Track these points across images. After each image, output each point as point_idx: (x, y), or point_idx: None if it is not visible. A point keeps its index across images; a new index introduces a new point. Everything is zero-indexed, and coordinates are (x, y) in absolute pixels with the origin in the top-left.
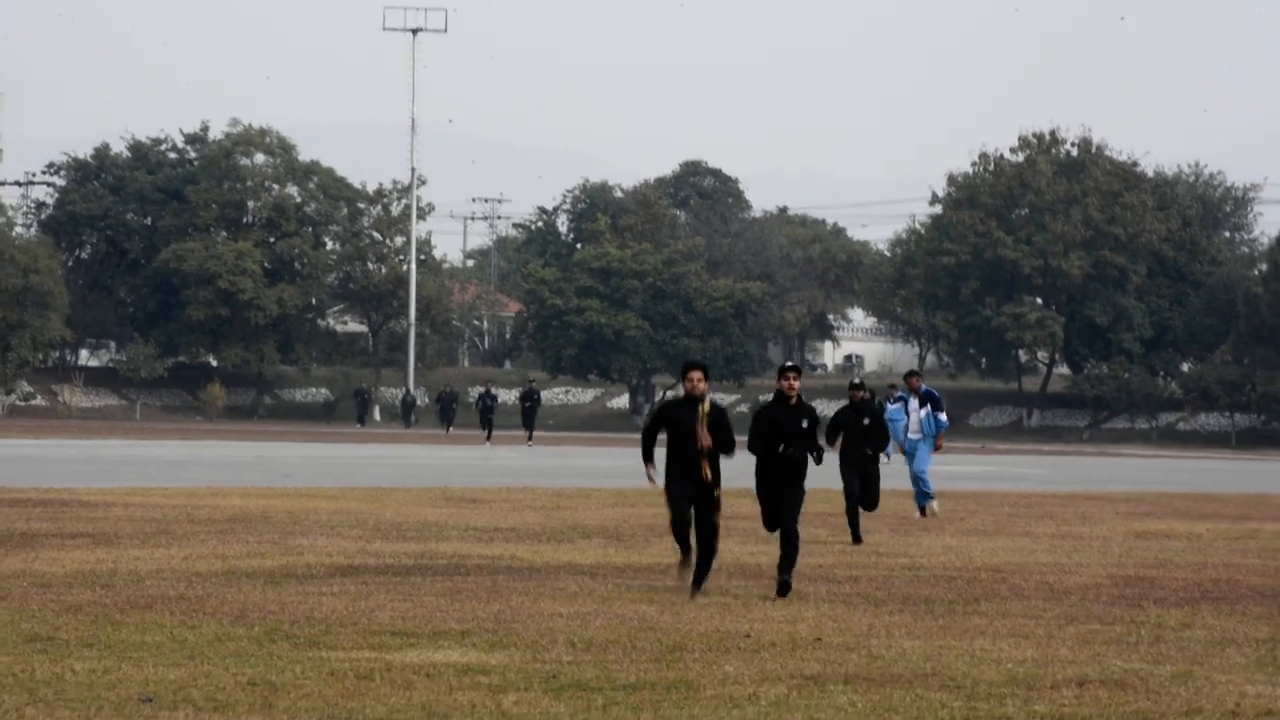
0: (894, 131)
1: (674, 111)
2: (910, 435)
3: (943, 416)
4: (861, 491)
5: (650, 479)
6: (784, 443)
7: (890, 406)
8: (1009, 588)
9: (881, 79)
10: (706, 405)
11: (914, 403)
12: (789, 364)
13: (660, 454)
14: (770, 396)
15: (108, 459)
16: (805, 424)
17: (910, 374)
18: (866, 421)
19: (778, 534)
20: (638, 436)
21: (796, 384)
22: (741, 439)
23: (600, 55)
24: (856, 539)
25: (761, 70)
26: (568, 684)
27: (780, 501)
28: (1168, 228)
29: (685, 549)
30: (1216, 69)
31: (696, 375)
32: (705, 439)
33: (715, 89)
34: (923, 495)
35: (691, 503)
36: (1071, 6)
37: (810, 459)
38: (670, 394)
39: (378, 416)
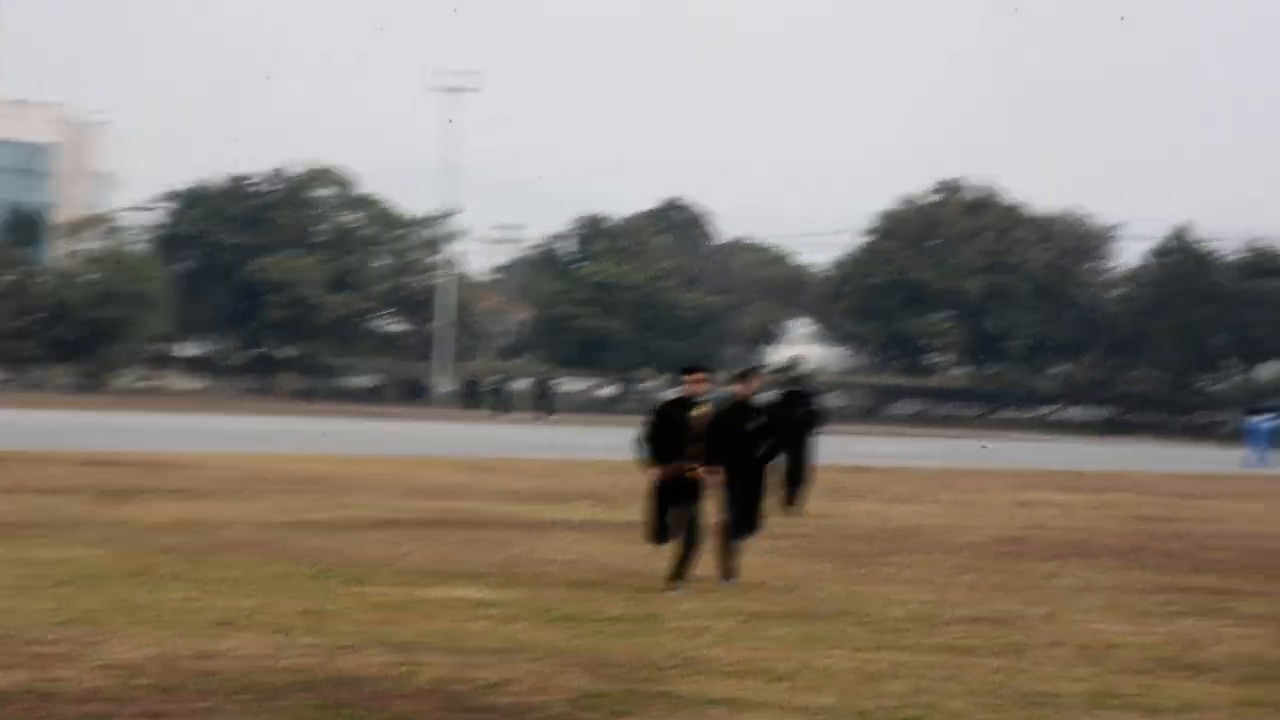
0: (831, 176)
1: (657, 159)
2: None
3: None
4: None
5: (665, 477)
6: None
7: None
8: (915, 544)
9: (819, 135)
10: (703, 408)
11: None
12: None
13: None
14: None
15: (200, 431)
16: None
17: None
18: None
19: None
20: (625, 419)
21: (701, 387)
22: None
23: (602, 113)
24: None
25: (724, 129)
26: (561, 615)
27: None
28: (1049, 257)
29: (660, 543)
30: (1094, 120)
31: (695, 377)
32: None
33: (689, 140)
34: None
35: (672, 517)
36: (981, 79)
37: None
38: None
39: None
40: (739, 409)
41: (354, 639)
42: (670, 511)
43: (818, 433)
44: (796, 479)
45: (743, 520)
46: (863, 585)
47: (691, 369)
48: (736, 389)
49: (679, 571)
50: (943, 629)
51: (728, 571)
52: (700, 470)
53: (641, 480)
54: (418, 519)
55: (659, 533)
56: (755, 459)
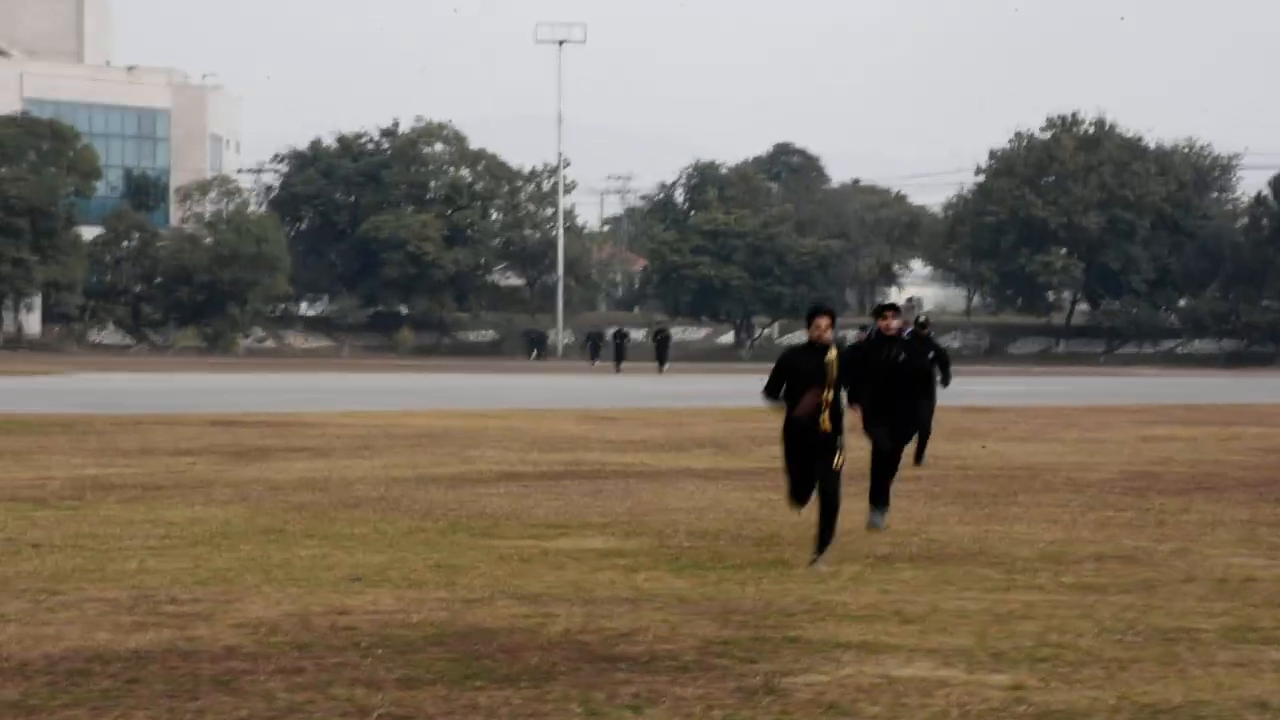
0: (944, 116)
1: (768, 100)
2: None
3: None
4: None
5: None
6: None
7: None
8: (1041, 483)
9: (930, 76)
10: (833, 353)
11: None
12: (887, 302)
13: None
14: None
15: (323, 389)
16: (902, 356)
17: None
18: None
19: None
20: (743, 366)
21: (829, 332)
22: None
23: (709, 57)
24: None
25: (837, 69)
26: (687, 564)
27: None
28: (1167, 190)
29: (799, 505)
30: (1206, 55)
31: (824, 321)
32: (808, 403)
33: (801, 85)
34: None
35: (809, 469)
36: (1074, 9)
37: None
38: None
39: (560, 352)
40: (884, 342)
41: (484, 592)
42: (805, 468)
43: (944, 377)
44: (922, 427)
45: (897, 439)
46: (990, 525)
47: (818, 310)
48: (880, 325)
49: (821, 543)
50: (1073, 567)
51: (881, 496)
52: (825, 421)
53: (763, 427)
54: (542, 471)
55: (800, 492)
56: (910, 391)
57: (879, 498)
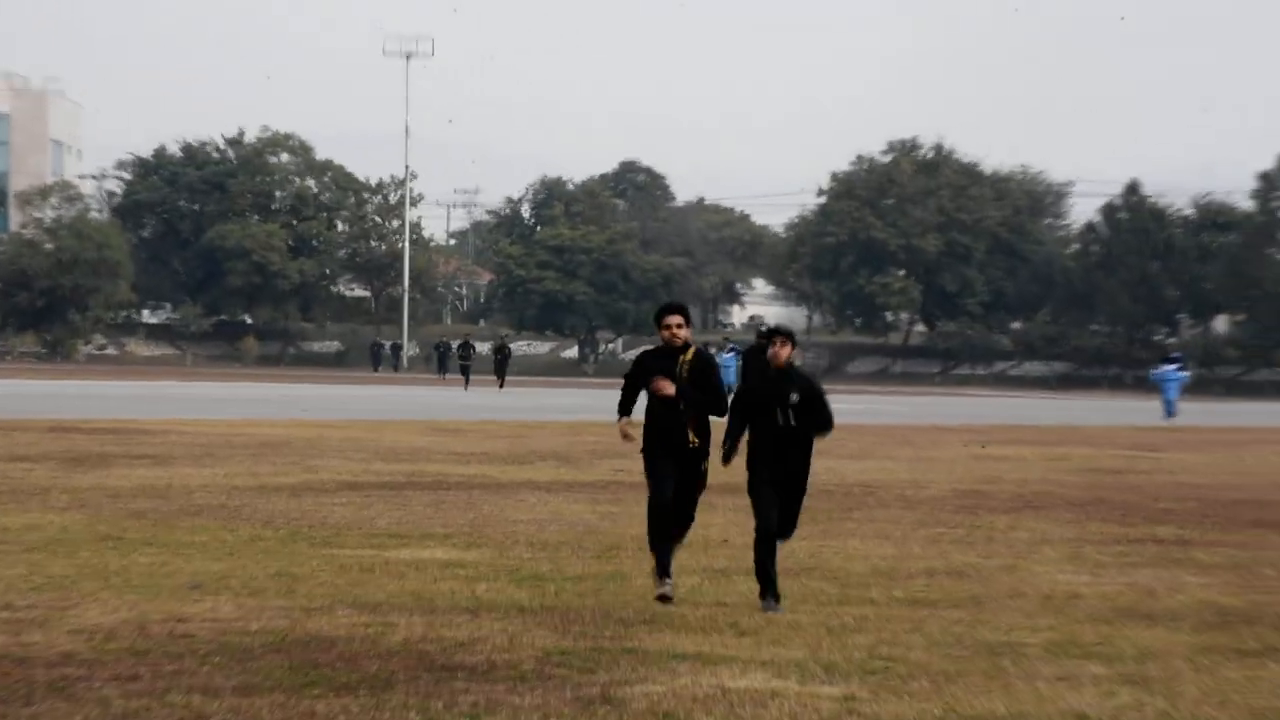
0: (786, 138)
1: (614, 119)
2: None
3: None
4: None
5: (626, 435)
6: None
7: (724, 355)
8: (875, 500)
9: (776, 98)
10: (689, 355)
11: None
12: (775, 327)
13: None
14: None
15: (165, 397)
16: (796, 397)
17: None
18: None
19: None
20: (586, 380)
21: (785, 351)
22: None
23: (557, 73)
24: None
25: (686, 86)
26: (527, 575)
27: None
28: (1003, 215)
29: (661, 543)
30: (1044, 84)
31: (674, 320)
32: (663, 386)
33: (647, 104)
34: None
35: (675, 480)
36: (933, 35)
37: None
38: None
39: (405, 364)
40: (781, 376)
41: (325, 600)
42: (669, 482)
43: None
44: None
45: (785, 518)
46: (825, 541)
47: (669, 308)
48: (772, 352)
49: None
50: (904, 582)
51: (770, 588)
52: (690, 434)
53: (604, 441)
54: (385, 482)
55: (667, 500)
56: (803, 438)
57: (768, 587)
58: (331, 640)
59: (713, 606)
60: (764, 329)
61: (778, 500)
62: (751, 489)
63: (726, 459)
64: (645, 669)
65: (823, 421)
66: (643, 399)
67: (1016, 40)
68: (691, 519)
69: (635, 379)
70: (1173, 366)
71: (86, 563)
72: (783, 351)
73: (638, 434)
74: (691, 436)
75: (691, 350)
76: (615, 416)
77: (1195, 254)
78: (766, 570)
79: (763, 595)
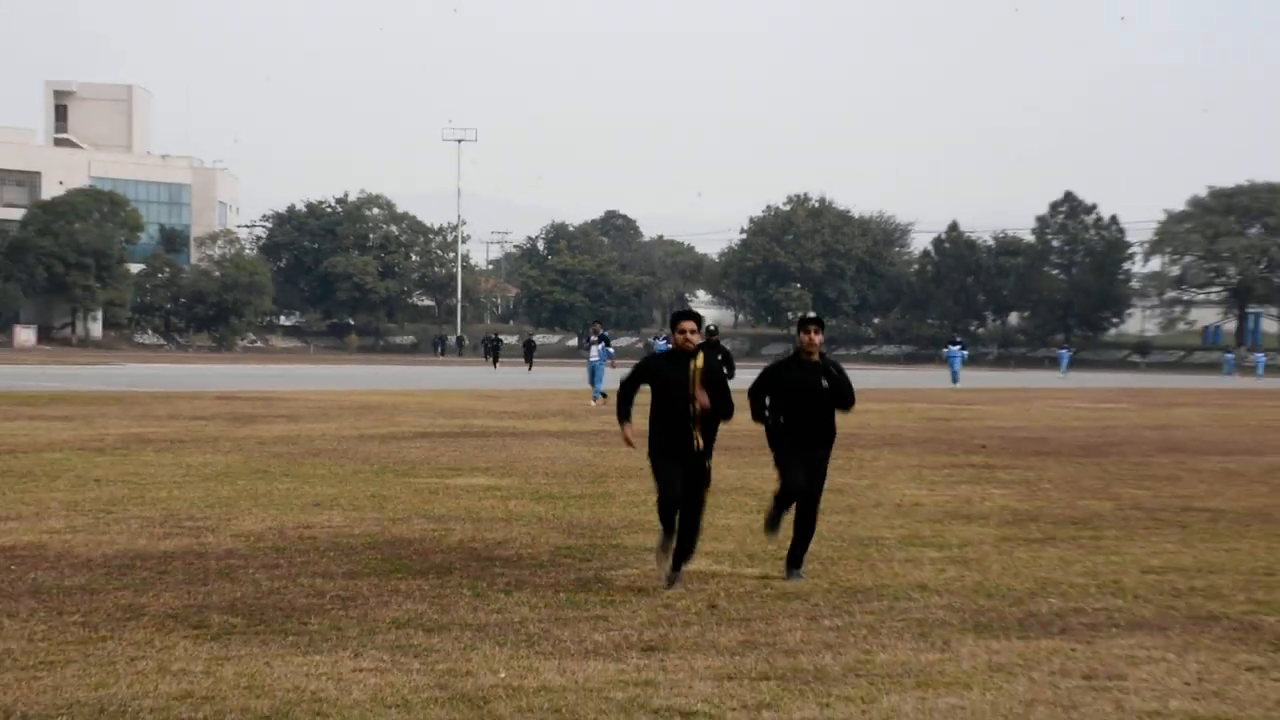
0: (719, 194)
1: (600, 182)
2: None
3: (610, 348)
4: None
5: (628, 442)
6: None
7: (598, 343)
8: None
9: (717, 160)
10: (699, 360)
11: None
12: (811, 315)
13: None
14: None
15: (294, 375)
16: (827, 383)
17: (596, 323)
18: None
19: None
20: (582, 362)
21: (818, 339)
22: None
23: (561, 153)
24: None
25: (651, 161)
26: (543, 495)
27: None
28: (866, 245)
29: (669, 530)
30: (898, 148)
31: (689, 325)
32: (702, 398)
33: (624, 172)
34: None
35: (681, 478)
36: (811, 119)
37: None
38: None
39: (459, 352)
40: (804, 364)
41: (404, 513)
42: (676, 482)
43: (730, 376)
44: (712, 432)
45: (810, 488)
46: (747, 469)
47: (683, 315)
48: (802, 341)
49: (677, 562)
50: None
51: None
52: (697, 436)
53: (598, 406)
54: (445, 431)
55: (673, 503)
56: (828, 424)
57: (796, 559)
58: (409, 540)
59: None
60: (710, 327)
61: (805, 469)
62: (778, 460)
63: (771, 428)
64: (625, 559)
65: (847, 400)
66: (643, 399)
67: (876, 116)
68: (697, 526)
69: (641, 379)
70: (957, 346)
71: (243, 488)
72: (817, 339)
73: (641, 443)
74: (697, 439)
75: (700, 355)
76: (621, 415)
77: (995, 271)
78: (790, 532)
79: (790, 565)
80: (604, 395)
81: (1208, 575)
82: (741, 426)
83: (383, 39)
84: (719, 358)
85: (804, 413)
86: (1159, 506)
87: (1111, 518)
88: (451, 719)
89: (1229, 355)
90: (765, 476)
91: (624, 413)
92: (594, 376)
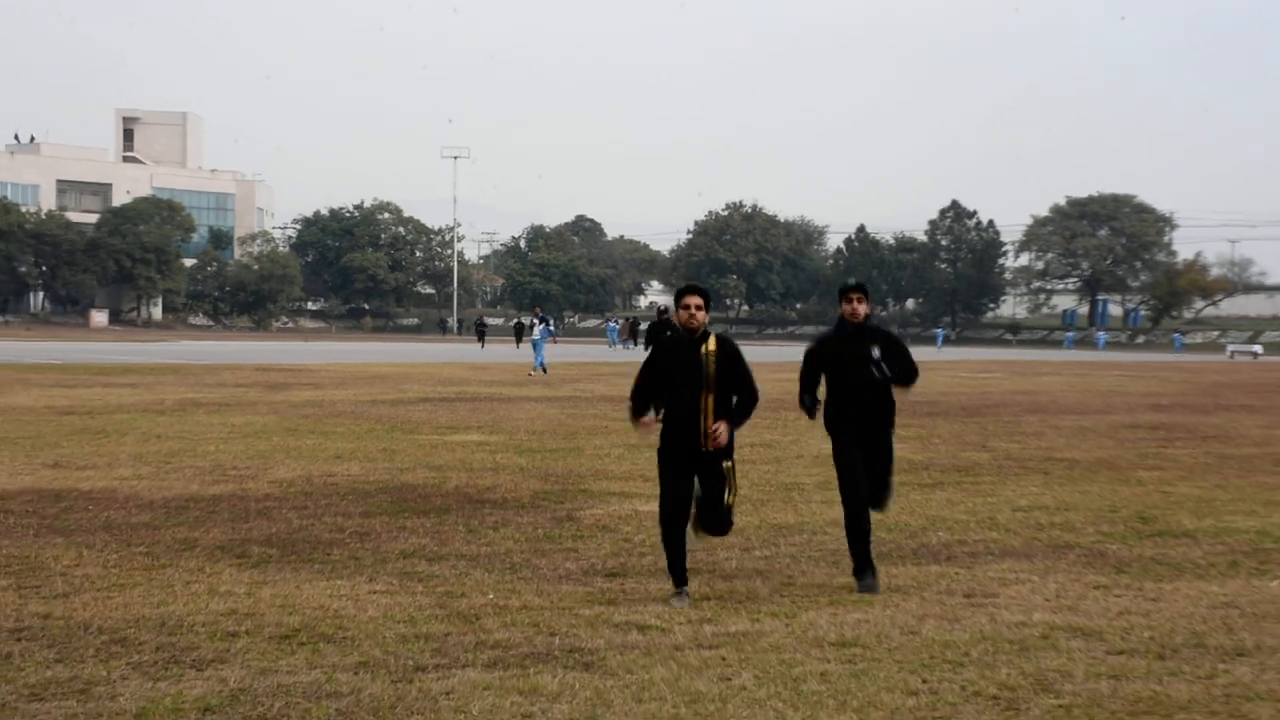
0: (670, 202)
1: (573, 190)
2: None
3: (551, 327)
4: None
5: (649, 431)
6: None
7: (539, 324)
8: None
9: (672, 171)
10: (711, 344)
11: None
12: (852, 282)
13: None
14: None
15: (319, 351)
16: (878, 351)
17: (538, 306)
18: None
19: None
20: (559, 340)
21: (862, 307)
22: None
23: (538, 164)
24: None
25: (616, 173)
26: (524, 448)
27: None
28: (790, 244)
29: (673, 552)
30: (818, 162)
31: (694, 300)
32: (717, 433)
33: (592, 182)
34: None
35: (690, 486)
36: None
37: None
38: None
39: (457, 331)
40: (850, 335)
41: (410, 464)
42: (681, 486)
43: None
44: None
45: (876, 485)
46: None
47: (690, 289)
48: (850, 309)
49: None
50: (744, 450)
51: (866, 564)
52: (718, 429)
53: (568, 376)
54: (444, 396)
55: (675, 515)
56: (884, 394)
57: (864, 564)
58: (414, 486)
59: (630, 466)
60: (662, 308)
61: (864, 466)
62: (837, 457)
63: (811, 414)
64: (592, 501)
65: (907, 371)
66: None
67: (803, 133)
68: (724, 521)
69: (651, 370)
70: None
71: (277, 444)
72: (860, 308)
73: (659, 429)
74: (706, 441)
75: (713, 339)
76: (631, 417)
77: (895, 265)
78: (861, 549)
79: (858, 573)
80: (543, 367)
81: (1065, 512)
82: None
83: (394, 62)
84: (670, 335)
85: (855, 387)
86: (1026, 457)
87: (988, 466)
88: (449, 632)
89: (1069, 335)
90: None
91: (637, 410)
92: (536, 350)
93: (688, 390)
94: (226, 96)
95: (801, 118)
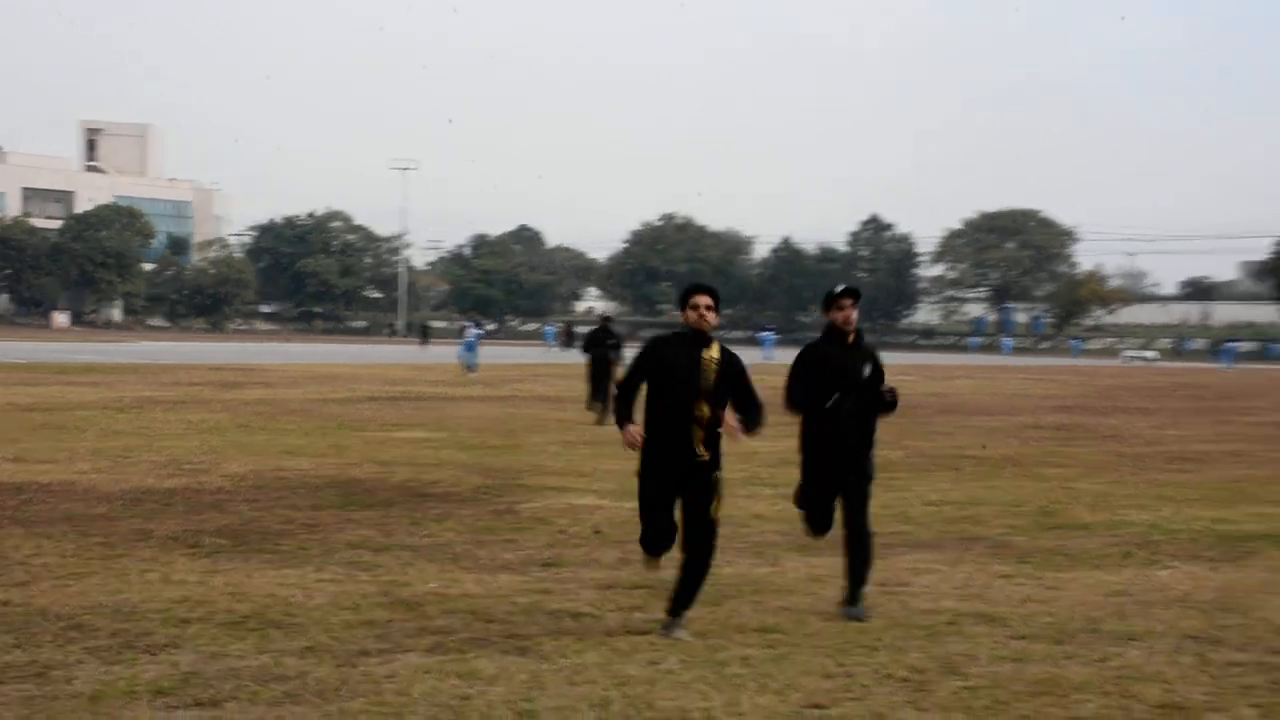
0: (606, 213)
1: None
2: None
3: (481, 332)
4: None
5: (633, 444)
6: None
7: (471, 328)
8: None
9: (599, 191)
10: (715, 350)
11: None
12: (841, 287)
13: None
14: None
15: (272, 351)
16: (868, 370)
17: (472, 311)
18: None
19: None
20: (499, 344)
21: (855, 314)
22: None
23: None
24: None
25: (554, 185)
26: (466, 445)
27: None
28: (720, 252)
29: (657, 555)
30: (749, 162)
31: (704, 300)
32: (729, 421)
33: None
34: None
35: (675, 503)
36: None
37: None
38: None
39: (405, 334)
40: (838, 347)
41: (358, 459)
42: (668, 506)
43: (619, 356)
44: (604, 394)
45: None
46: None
47: (699, 288)
48: (842, 316)
49: (678, 603)
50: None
51: (854, 592)
52: (734, 424)
53: (504, 377)
54: (390, 395)
55: (659, 540)
56: (868, 419)
57: (855, 590)
58: (361, 481)
59: (565, 462)
60: (604, 315)
61: (835, 498)
62: (804, 479)
63: (811, 420)
64: (530, 495)
65: (888, 401)
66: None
67: (737, 145)
68: (707, 558)
69: (642, 370)
70: (769, 331)
71: (230, 440)
72: (853, 315)
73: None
74: (700, 449)
75: (716, 346)
76: (620, 417)
77: (817, 274)
78: (855, 572)
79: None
80: (469, 367)
81: (973, 506)
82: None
83: (394, 62)
84: (610, 341)
85: (848, 404)
86: (938, 454)
87: (902, 463)
88: (392, 619)
89: (973, 339)
90: None
91: (624, 413)
92: (468, 351)
93: (682, 395)
94: (226, 97)
95: (732, 134)
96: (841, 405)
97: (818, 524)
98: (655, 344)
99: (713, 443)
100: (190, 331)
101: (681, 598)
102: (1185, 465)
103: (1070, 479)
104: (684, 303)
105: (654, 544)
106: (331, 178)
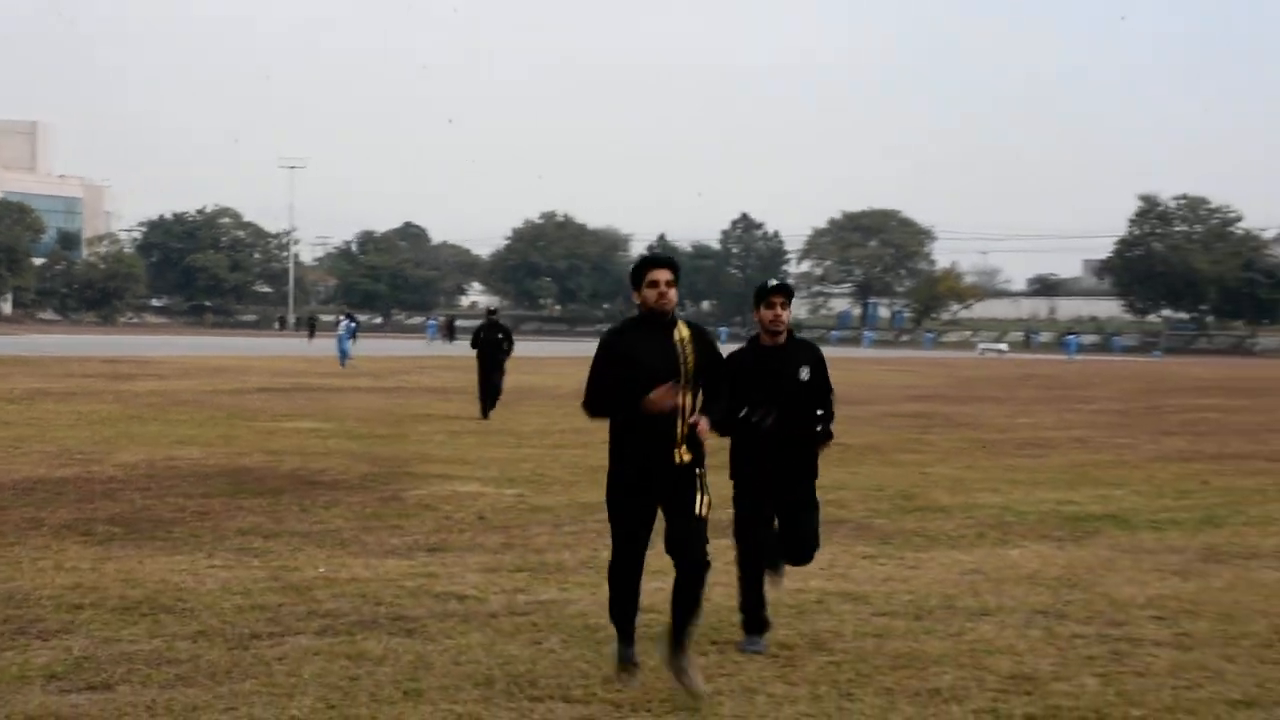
0: (491, 210)
1: (401, 202)
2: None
3: (355, 325)
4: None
5: (667, 395)
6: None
7: (345, 322)
8: (536, 395)
9: (484, 188)
10: (684, 330)
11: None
12: (773, 282)
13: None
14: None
15: (164, 344)
16: (806, 373)
17: (348, 305)
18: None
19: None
20: (386, 337)
21: (786, 314)
22: None
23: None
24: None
25: (438, 181)
26: (354, 434)
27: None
28: (598, 250)
29: (624, 629)
30: (629, 171)
31: (663, 275)
32: (702, 425)
33: (420, 194)
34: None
35: (652, 519)
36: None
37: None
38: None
39: (293, 327)
40: (784, 348)
41: (248, 449)
42: (643, 523)
43: (509, 352)
44: (495, 390)
45: (800, 535)
46: (508, 416)
47: (657, 261)
48: (772, 315)
49: (678, 633)
50: (554, 436)
51: (759, 619)
52: (699, 419)
53: (396, 369)
54: (281, 387)
55: (630, 565)
56: (807, 424)
57: (755, 620)
58: (251, 469)
59: (451, 451)
60: (491, 309)
61: (773, 515)
62: (738, 500)
63: (728, 430)
64: (416, 483)
65: (828, 407)
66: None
67: (642, 138)
68: (698, 538)
69: (612, 365)
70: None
71: (122, 430)
72: (784, 315)
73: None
74: (681, 451)
75: (683, 324)
76: (594, 417)
77: (692, 270)
78: (749, 602)
79: (746, 628)
80: (344, 359)
81: (838, 491)
82: (520, 386)
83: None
84: (499, 335)
85: (777, 417)
86: None
87: None
88: (282, 603)
89: (834, 332)
90: (521, 420)
91: (619, 403)
92: (341, 344)
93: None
94: (226, 97)
95: (612, 137)
96: (765, 419)
97: (627, 570)
98: (613, 338)
99: (694, 443)
100: (81, 325)
101: (678, 632)
102: (1034, 451)
103: (928, 464)
104: (638, 280)
105: (625, 574)
106: (224, 174)
